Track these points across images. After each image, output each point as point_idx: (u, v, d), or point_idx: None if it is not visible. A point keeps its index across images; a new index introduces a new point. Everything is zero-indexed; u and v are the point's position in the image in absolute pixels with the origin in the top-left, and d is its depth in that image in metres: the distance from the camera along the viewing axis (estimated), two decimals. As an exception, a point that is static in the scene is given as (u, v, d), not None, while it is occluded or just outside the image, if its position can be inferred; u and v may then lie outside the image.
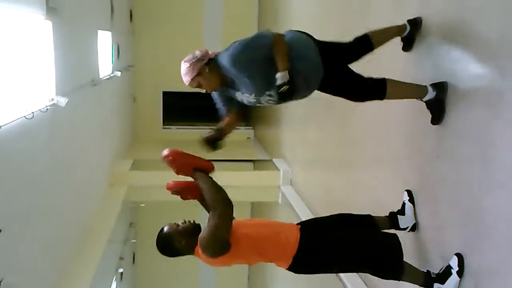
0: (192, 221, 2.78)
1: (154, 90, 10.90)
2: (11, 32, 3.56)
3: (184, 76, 2.96)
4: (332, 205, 5.42)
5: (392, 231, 3.21)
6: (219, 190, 2.64)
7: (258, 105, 3.10)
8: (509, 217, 2.47)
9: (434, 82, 3.10)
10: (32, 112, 3.76)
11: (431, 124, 3.15)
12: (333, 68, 3.02)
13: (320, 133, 6.21)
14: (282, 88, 2.83)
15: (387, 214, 3.38)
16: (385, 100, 3.11)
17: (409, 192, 3.44)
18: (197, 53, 2.95)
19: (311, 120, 6.52)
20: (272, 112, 9.17)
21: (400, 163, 3.73)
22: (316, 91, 3.12)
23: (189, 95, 11.53)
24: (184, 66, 2.95)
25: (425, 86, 3.09)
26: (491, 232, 2.61)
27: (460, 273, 2.81)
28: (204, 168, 2.75)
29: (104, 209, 6.45)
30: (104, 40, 7.16)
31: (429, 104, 3.12)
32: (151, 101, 10.92)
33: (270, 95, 2.96)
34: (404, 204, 3.41)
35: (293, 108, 7.50)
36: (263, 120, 10.52)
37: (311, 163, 6.72)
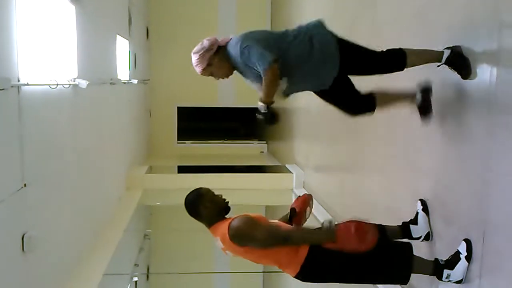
0: (227, 201, 2.89)
1: (169, 105, 11.15)
2: (38, 8, 3.73)
3: (195, 68, 3.02)
4: (347, 204, 5.50)
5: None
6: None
7: None
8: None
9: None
10: (56, 83, 3.92)
11: (462, 79, 2.96)
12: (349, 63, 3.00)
13: (332, 139, 6.33)
14: (260, 116, 2.93)
15: (399, 224, 3.33)
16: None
17: (423, 202, 3.39)
18: (205, 42, 3.00)
19: (323, 127, 6.66)
20: (286, 126, 9.31)
21: (413, 167, 3.72)
22: None
23: (204, 110, 11.77)
24: (194, 58, 3.00)
25: (441, 51, 3.01)
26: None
27: (468, 258, 2.82)
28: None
29: (120, 211, 6.55)
30: (122, 47, 7.39)
31: (450, 62, 2.97)
32: (166, 116, 11.15)
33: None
34: (417, 213, 3.36)
35: (306, 120, 7.67)
36: (276, 135, 10.65)
37: (324, 166, 6.79)
